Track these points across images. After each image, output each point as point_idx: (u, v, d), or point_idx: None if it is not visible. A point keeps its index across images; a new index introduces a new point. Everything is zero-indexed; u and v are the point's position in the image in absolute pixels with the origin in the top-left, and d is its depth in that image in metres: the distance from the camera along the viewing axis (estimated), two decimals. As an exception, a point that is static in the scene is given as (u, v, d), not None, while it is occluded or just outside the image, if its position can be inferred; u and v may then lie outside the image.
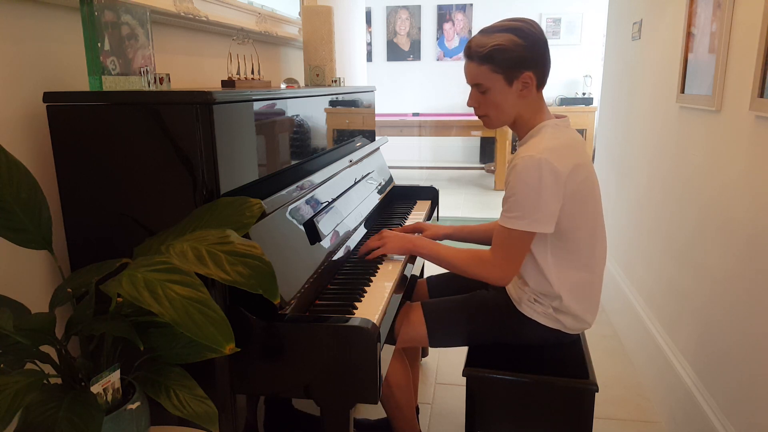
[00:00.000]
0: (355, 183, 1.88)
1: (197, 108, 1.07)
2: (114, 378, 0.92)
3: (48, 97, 1.12)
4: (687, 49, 1.94)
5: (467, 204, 5.43)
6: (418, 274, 1.90)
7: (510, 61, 1.35)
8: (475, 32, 8.22)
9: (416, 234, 1.73)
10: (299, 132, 1.58)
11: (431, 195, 2.35)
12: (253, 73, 1.60)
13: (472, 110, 1.46)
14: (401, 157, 7.57)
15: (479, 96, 1.42)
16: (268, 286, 0.87)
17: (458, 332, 1.53)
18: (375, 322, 1.14)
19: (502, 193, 1.39)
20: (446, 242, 1.63)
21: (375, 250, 1.57)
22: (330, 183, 1.64)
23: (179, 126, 1.09)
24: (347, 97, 2.05)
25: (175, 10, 1.53)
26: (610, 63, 3.23)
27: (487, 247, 1.71)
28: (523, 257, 1.40)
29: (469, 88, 1.45)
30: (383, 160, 2.34)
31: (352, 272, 1.49)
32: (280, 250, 1.24)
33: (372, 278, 1.45)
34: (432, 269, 1.67)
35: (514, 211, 1.34)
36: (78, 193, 1.16)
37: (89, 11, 1.14)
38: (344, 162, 1.78)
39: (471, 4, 7.41)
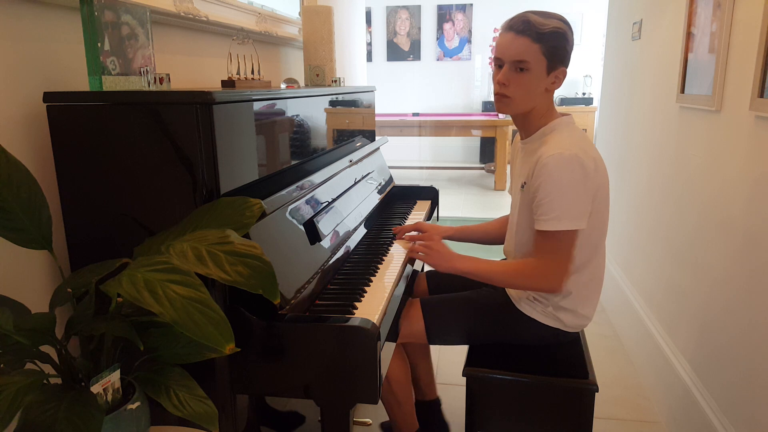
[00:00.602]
0: (355, 183, 1.88)
1: (197, 108, 1.07)
2: (114, 378, 0.92)
3: (48, 97, 1.12)
4: (687, 49, 1.94)
5: (467, 204, 5.43)
6: (419, 269, 1.90)
7: (558, 50, 1.34)
8: (475, 32, 8.19)
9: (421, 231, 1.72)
10: (299, 132, 1.58)
11: (431, 195, 2.35)
12: (253, 73, 1.60)
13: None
14: (401, 157, 7.57)
15: (513, 74, 1.36)
16: (268, 286, 0.87)
17: (456, 330, 1.53)
18: (375, 322, 1.14)
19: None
20: (448, 243, 1.63)
21: (419, 253, 1.53)
22: (330, 183, 1.64)
23: (179, 126, 1.09)
24: (347, 97, 2.05)
25: (175, 10, 1.53)
26: (610, 63, 3.23)
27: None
28: (571, 258, 1.36)
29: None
30: (383, 160, 2.34)
31: (352, 272, 1.49)
32: (280, 250, 1.24)
33: (372, 278, 1.45)
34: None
35: (551, 213, 1.31)
36: (78, 193, 1.16)
37: (89, 11, 1.14)
38: (344, 162, 1.78)
39: (471, 4, 7.41)
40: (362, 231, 1.77)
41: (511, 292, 1.52)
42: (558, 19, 1.35)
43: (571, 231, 1.33)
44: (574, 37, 1.39)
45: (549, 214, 1.32)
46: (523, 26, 1.33)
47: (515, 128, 1.52)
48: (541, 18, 1.33)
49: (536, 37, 1.32)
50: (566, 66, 1.38)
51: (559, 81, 1.39)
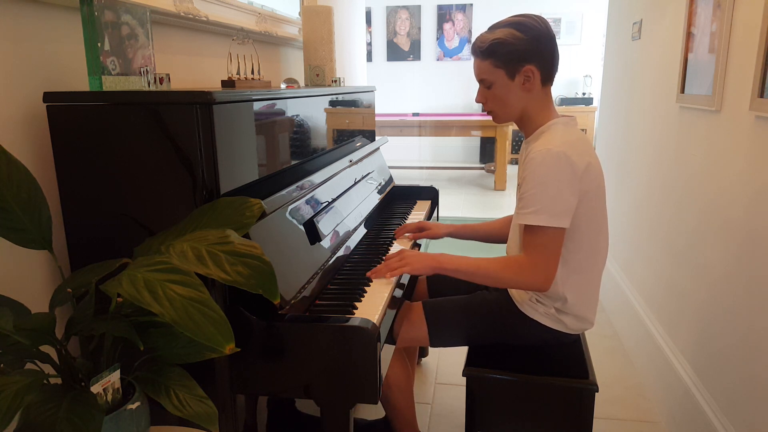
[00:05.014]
0: (355, 183, 1.88)
1: (197, 108, 1.07)
2: (114, 378, 0.92)
3: (48, 97, 1.12)
4: (687, 49, 1.94)
5: (467, 204, 5.43)
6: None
7: (510, 55, 1.36)
8: (475, 32, 8.25)
9: (423, 230, 1.73)
10: (299, 132, 1.58)
11: (431, 195, 2.35)
12: (253, 73, 1.60)
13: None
14: (401, 157, 7.57)
15: (485, 91, 1.44)
16: (268, 286, 0.87)
17: (459, 332, 1.53)
18: (375, 322, 1.14)
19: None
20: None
21: (397, 269, 1.43)
22: (330, 183, 1.64)
23: (179, 126, 1.09)
24: (347, 97, 2.05)
25: (175, 10, 1.53)
26: (610, 63, 3.23)
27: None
28: (558, 255, 1.34)
29: (477, 86, 1.46)
30: (383, 160, 2.34)
31: (352, 272, 1.49)
32: (280, 250, 1.24)
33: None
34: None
35: (531, 206, 1.31)
36: (78, 193, 1.16)
37: (89, 11, 1.14)
38: (344, 162, 1.78)
39: (471, 4, 7.41)
40: (362, 231, 1.77)
41: (513, 294, 1.52)
42: (503, 26, 1.38)
43: (557, 228, 1.31)
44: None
45: (528, 207, 1.32)
46: (473, 48, 1.43)
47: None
48: (485, 34, 1.40)
49: (482, 55, 1.40)
50: (531, 61, 1.36)
51: (531, 78, 1.38)
